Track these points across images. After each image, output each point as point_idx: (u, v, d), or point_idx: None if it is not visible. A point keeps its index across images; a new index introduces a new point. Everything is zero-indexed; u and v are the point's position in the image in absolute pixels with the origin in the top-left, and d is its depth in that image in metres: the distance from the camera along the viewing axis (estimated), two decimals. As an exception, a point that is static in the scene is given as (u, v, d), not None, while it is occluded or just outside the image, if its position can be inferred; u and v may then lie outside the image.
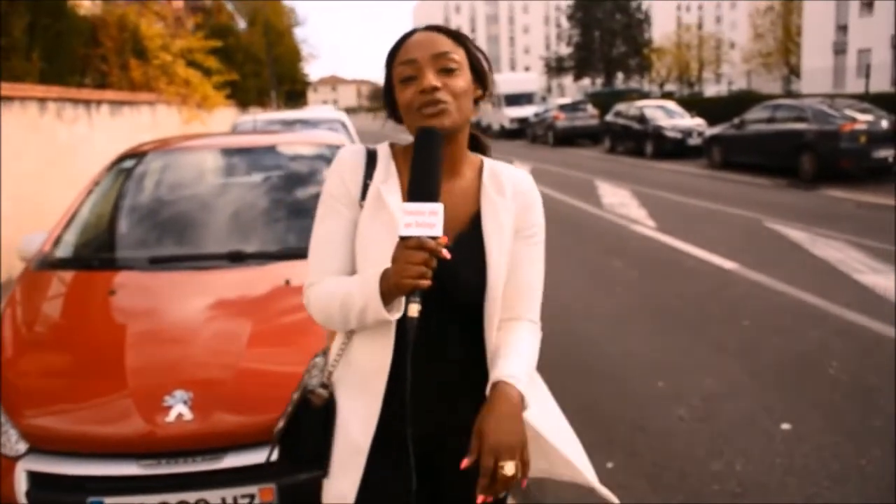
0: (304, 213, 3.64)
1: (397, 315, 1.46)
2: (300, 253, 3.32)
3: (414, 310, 1.38)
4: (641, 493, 3.36)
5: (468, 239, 1.56)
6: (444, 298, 1.51)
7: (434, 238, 1.37)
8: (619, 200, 12.30)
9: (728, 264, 7.50)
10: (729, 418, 4.07)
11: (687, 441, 3.83)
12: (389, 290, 1.42)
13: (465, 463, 1.42)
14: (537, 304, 1.66)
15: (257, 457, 2.34)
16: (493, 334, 1.59)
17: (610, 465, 3.58)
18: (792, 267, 7.32)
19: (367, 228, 1.55)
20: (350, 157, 1.62)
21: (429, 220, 1.37)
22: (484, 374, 1.57)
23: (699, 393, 4.40)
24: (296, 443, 1.66)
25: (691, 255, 8.04)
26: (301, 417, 1.65)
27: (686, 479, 3.46)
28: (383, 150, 1.64)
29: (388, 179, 1.58)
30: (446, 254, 1.39)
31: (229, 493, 2.31)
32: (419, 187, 1.42)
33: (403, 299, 1.44)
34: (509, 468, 1.39)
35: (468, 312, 1.58)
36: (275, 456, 1.68)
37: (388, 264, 1.43)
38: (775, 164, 14.67)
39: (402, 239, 1.39)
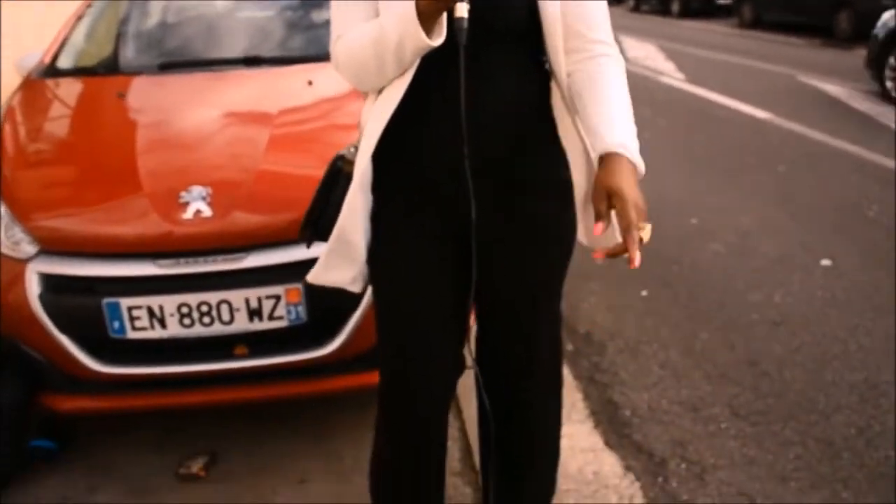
0: (326, 23, 3.36)
1: (440, 39, 1.25)
2: (323, 58, 3.09)
3: (462, 9, 1.20)
4: (677, 320, 3.25)
5: None
6: (485, 28, 1.30)
7: None
8: (645, 54, 11.76)
9: (761, 114, 7.17)
10: (766, 253, 3.92)
11: (723, 274, 3.69)
12: (427, 4, 1.22)
13: (599, 228, 1.27)
14: (605, 21, 1.42)
15: (282, 256, 2.18)
16: (562, 59, 1.38)
17: (644, 293, 3.45)
18: (829, 117, 6.98)
19: None
20: None
21: None
22: (547, 111, 1.43)
23: (735, 230, 4.23)
24: (322, 213, 1.58)
25: (722, 105, 7.69)
26: (331, 188, 1.57)
27: (723, 308, 3.34)
28: None
29: None
30: None
31: (253, 293, 2.16)
32: None
33: (444, 19, 1.24)
34: (647, 232, 1.24)
35: (519, 42, 1.38)
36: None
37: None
38: (810, 23, 13.89)
39: None
